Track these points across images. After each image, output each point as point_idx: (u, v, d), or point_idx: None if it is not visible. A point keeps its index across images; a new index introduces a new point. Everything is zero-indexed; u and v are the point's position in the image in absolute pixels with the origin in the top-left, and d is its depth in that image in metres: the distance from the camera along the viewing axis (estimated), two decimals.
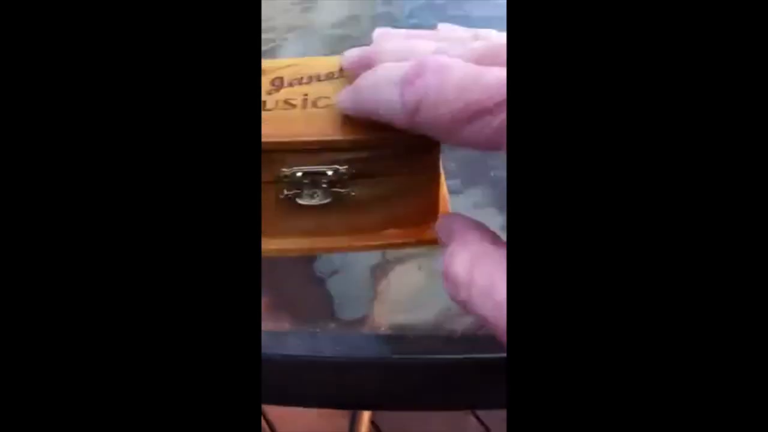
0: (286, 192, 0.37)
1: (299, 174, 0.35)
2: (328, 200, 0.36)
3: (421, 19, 0.73)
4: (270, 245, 0.40)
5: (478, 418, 1.22)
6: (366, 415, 1.13)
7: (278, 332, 0.37)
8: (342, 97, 0.33)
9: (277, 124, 0.34)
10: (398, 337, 0.37)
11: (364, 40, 0.36)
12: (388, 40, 0.34)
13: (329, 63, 0.39)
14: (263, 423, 1.21)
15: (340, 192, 0.37)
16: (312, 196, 0.36)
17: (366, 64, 0.32)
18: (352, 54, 0.35)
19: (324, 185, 0.36)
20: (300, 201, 0.36)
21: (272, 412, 1.23)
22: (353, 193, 0.36)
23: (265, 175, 0.37)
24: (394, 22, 0.72)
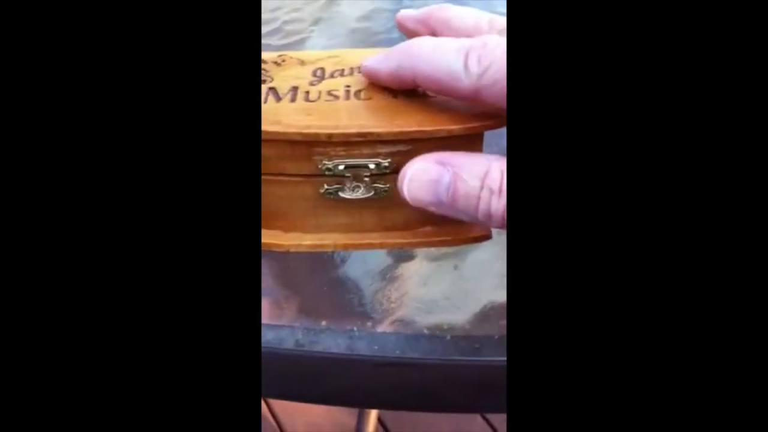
0: (326, 186, 0.37)
1: (342, 167, 0.35)
2: (370, 194, 0.35)
3: None
4: (305, 240, 0.40)
5: (485, 418, 1.21)
6: (373, 412, 1.13)
7: (314, 329, 0.37)
8: (383, 59, 0.33)
9: (321, 116, 0.33)
10: (436, 338, 0.36)
11: (389, 33, 0.35)
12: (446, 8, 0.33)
13: (370, 55, 0.38)
14: (270, 417, 1.20)
15: (379, 187, 0.37)
16: (354, 190, 0.35)
17: (425, 22, 0.33)
18: (411, 13, 0.35)
19: (366, 179, 0.36)
20: (342, 195, 0.35)
21: (278, 406, 1.22)
22: (392, 190, 0.35)
23: (305, 169, 0.36)
24: None
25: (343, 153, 0.34)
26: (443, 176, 0.27)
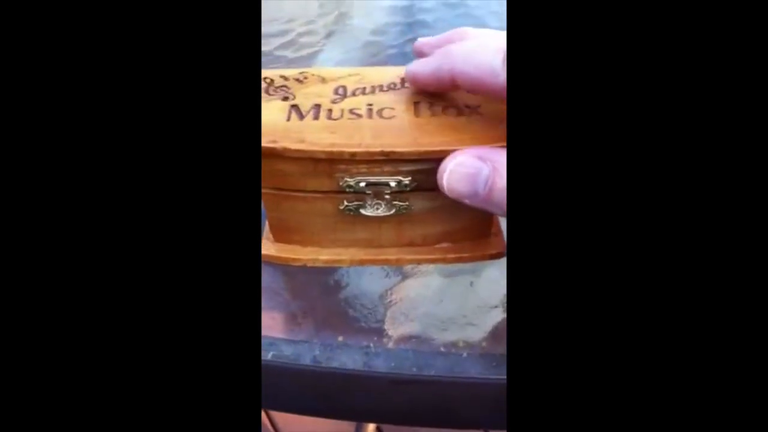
0: (346, 203, 0.37)
1: (363, 184, 0.35)
2: (390, 212, 0.36)
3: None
4: (321, 255, 0.40)
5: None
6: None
7: (331, 345, 0.37)
8: (424, 63, 0.33)
9: (345, 134, 0.34)
10: (452, 355, 0.36)
11: (402, 48, 0.35)
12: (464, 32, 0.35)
13: (391, 74, 0.39)
14: (268, 425, 1.20)
15: (399, 204, 0.37)
16: (375, 208, 0.36)
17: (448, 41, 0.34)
18: (429, 39, 0.36)
19: (386, 197, 0.36)
20: (363, 212, 0.36)
21: (276, 414, 1.22)
22: (411, 206, 0.36)
23: (326, 185, 0.36)
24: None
25: (365, 171, 0.34)
26: (482, 170, 0.28)
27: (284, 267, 0.41)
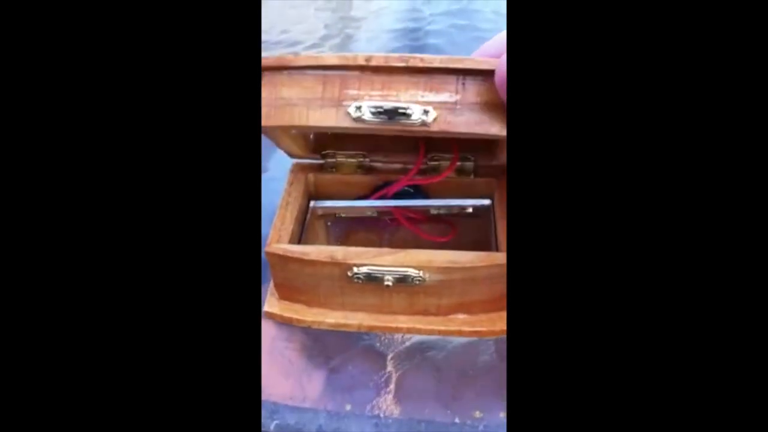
0: (356, 270, 0.35)
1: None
2: (403, 284, 0.34)
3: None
4: (328, 318, 0.38)
5: None
6: None
7: (338, 414, 0.35)
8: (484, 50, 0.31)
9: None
10: (467, 427, 0.35)
11: None
12: None
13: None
14: None
15: (413, 277, 0.35)
16: (386, 280, 0.34)
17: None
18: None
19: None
20: (374, 281, 0.34)
21: None
22: (425, 279, 0.34)
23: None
24: None
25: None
26: None
27: (289, 326, 0.40)
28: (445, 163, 0.40)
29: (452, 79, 0.30)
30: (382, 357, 0.38)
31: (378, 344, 0.39)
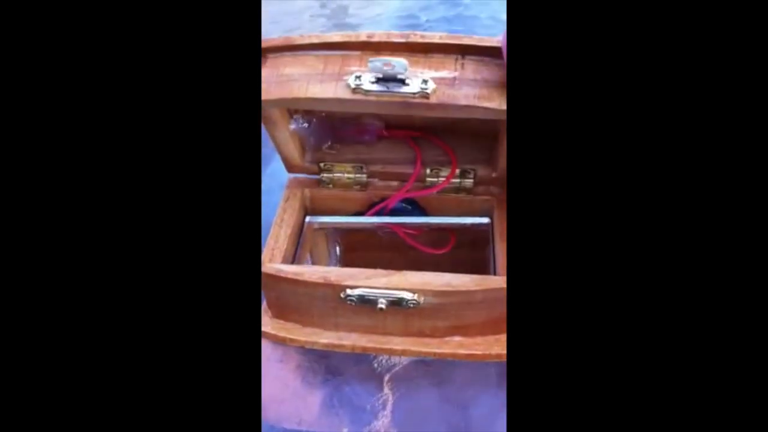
0: (348, 292, 0.34)
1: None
2: (397, 307, 0.33)
3: None
4: (322, 338, 0.37)
5: None
6: None
7: None
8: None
9: None
10: None
11: None
12: None
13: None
14: None
15: (407, 300, 0.34)
16: (379, 303, 0.33)
17: None
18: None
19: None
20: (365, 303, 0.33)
21: None
22: (420, 303, 0.33)
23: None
24: None
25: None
26: None
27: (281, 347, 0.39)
28: (445, 172, 0.40)
29: (451, 58, 0.30)
30: (379, 378, 0.37)
31: (375, 365, 0.38)
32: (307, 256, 0.42)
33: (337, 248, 0.44)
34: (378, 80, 0.29)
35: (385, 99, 0.29)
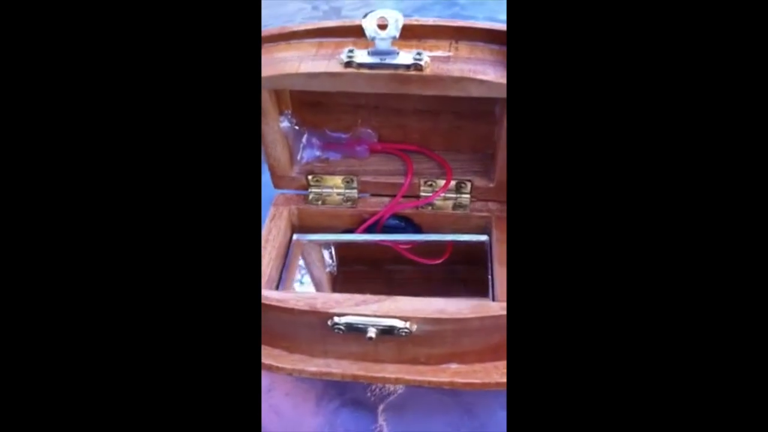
0: (336, 319, 0.32)
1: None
2: (388, 335, 0.30)
3: None
4: (310, 366, 0.34)
5: None
6: None
7: None
8: None
9: None
10: None
11: None
12: None
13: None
14: None
15: (399, 329, 0.32)
16: (368, 332, 0.31)
17: None
18: None
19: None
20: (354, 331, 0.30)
21: None
22: (412, 330, 0.30)
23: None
24: None
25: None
26: None
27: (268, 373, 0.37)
28: (440, 185, 0.38)
29: (445, 41, 0.31)
30: (372, 409, 0.35)
31: (368, 394, 0.36)
32: (296, 270, 0.40)
33: (332, 255, 0.42)
34: (371, 53, 0.29)
35: (378, 73, 0.30)
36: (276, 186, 0.40)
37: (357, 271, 0.42)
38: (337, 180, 0.39)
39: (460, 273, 0.39)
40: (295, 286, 0.38)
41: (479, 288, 0.35)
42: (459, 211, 0.38)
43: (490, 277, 0.35)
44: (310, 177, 0.39)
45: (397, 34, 0.29)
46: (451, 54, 0.30)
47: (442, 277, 0.40)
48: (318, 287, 0.40)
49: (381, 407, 0.35)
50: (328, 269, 0.42)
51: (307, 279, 0.39)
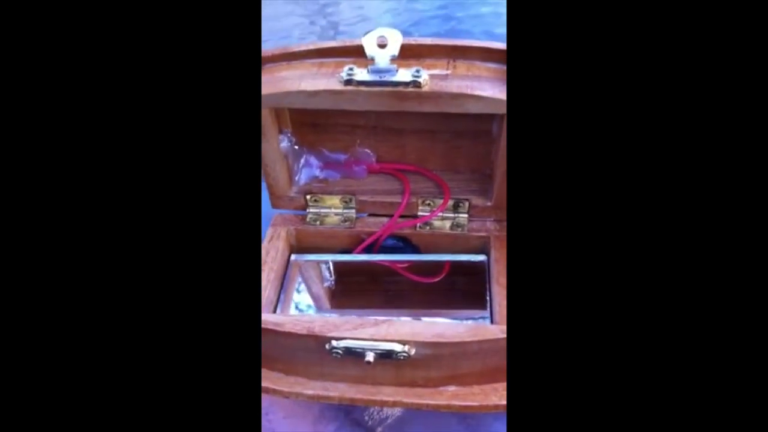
0: (334, 343, 0.32)
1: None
2: (386, 360, 0.30)
3: None
4: (307, 389, 0.34)
5: None
6: None
7: None
8: None
9: None
10: None
11: None
12: None
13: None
14: None
15: (397, 353, 0.32)
16: (367, 356, 0.31)
17: None
18: None
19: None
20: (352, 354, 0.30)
21: None
22: (410, 354, 0.30)
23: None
24: None
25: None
26: None
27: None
28: (438, 205, 0.38)
29: (443, 60, 0.32)
30: (371, 431, 0.35)
31: (366, 417, 0.36)
32: (294, 290, 0.39)
33: (330, 270, 0.42)
34: (371, 71, 0.30)
35: (378, 90, 0.30)
36: (274, 206, 0.40)
37: (355, 282, 0.42)
38: (335, 200, 0.39)
39: (460, 284, 0.39)
40: (293, 297, 0.38)
41: (478, 300, 0.35)
42: (457, 231, 0.38)
43: (488, 298, 0.34)
44: (308, 197, 0.39)
45: (397, 53, 0.29)
46: (449, 72, 0.31)
47: (442, 289, 0.40)
48: (316, 302, 0.40)
49: (379, 429, 0.35)
50: (326, 284, 0.42)
51: (304, 292, 0.39)
